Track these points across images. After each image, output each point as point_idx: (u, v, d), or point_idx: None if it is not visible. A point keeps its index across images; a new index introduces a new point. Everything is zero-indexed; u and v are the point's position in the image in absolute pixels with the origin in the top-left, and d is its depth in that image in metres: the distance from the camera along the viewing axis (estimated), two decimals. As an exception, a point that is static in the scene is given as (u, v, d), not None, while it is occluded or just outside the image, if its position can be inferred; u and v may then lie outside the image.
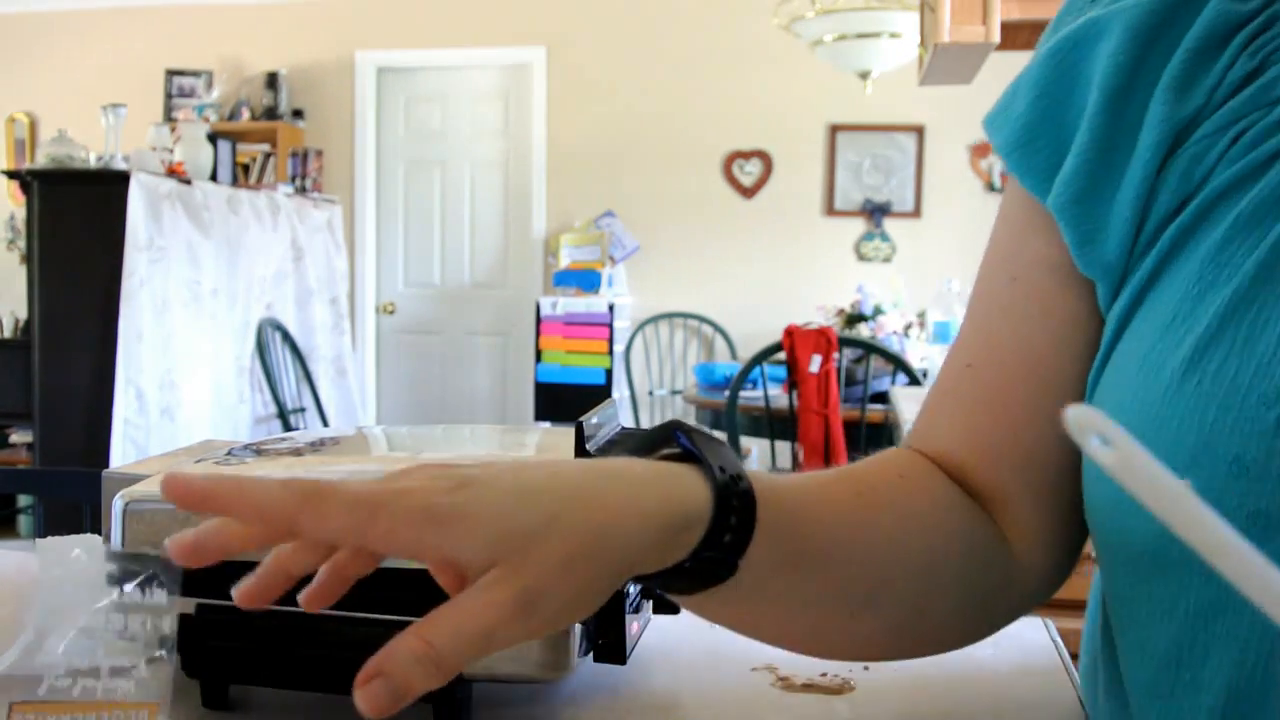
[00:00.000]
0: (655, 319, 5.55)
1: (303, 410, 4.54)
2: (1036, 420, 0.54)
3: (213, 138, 4.26)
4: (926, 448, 0.58)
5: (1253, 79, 0.47)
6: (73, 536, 0.75)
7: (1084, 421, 0.30)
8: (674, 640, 0.80)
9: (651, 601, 0.75)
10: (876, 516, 0.53)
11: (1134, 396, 0.47)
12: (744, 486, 0.45)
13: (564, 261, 5.49)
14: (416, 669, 0.36)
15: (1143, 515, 0.47)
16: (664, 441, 0.47)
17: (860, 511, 0.52)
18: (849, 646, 0.56)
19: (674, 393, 5.52)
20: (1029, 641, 0.81)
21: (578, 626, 0.64)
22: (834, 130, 5.50)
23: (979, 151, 5.35)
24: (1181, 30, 0.49)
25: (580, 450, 0.68)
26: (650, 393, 5.54)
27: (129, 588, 0.66)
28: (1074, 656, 0.69)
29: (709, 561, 0.44)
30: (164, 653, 0.64)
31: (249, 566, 0.66)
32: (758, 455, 4.68)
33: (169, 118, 5.60)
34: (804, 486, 0.51)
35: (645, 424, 5.49)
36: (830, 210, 5.54)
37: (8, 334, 4.24)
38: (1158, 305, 0.48)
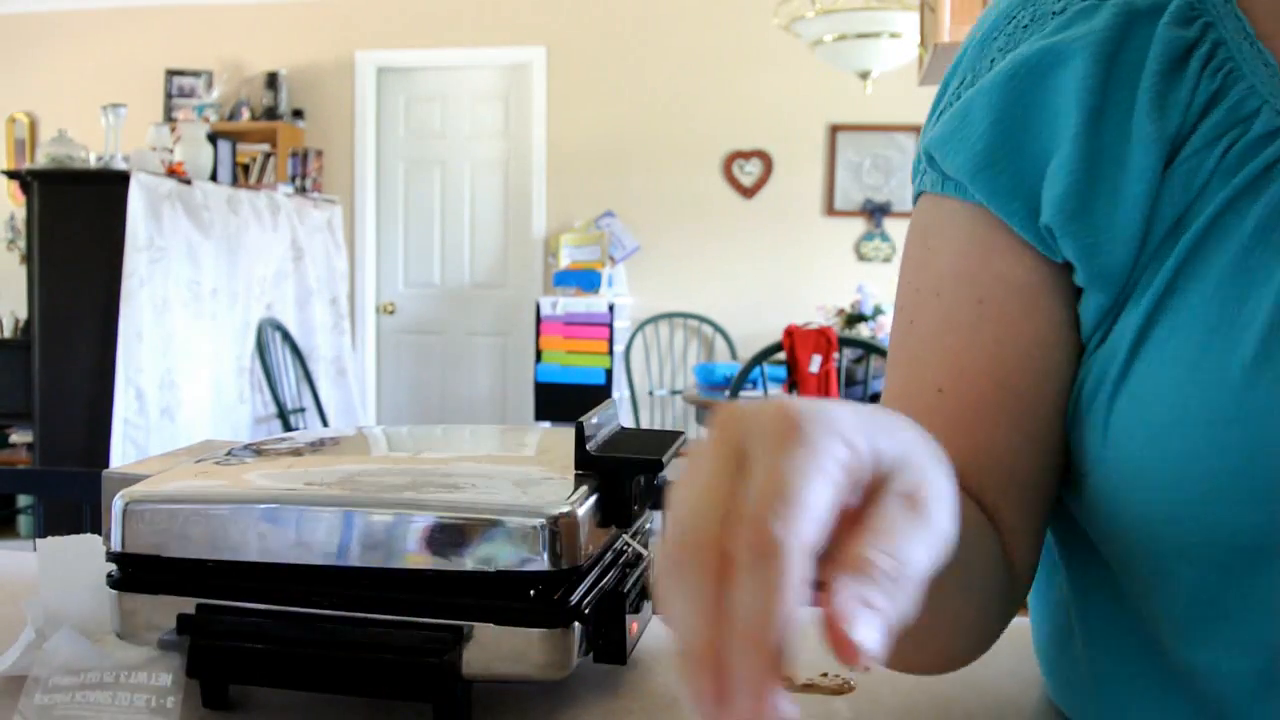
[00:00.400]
0: (655, 319, 5.55)
1: (303, 410, 4.53)
2: (1015, 439, 0.55)
3: (213, 138, 4.25)
4: None
5: (1219, 99, 0.52)
6: (73, 536, 0.75)
7: None
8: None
9: (651, 601, 0.75)
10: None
11: (1198, 397, 0.48)
12: None
13: (564, 261, 5.49)
14: (893, 591, 0.30)
15: (1243, 507, 0.47)
16: None
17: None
18: (952, 640, 0.55)
19: (674, 393, 5.51)
20: (1027, 644, 0.81)
21: (577, 626, 0.63)
22: (834, 130, 5.50)
23: (979, 151, 5.34)
24: (1135, 53, 0.53)
25: (580, 450, 0.68)
26: (650, 393, 5.54)
27: (137, 675, 0.65)
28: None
29: None
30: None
31: (250, 567, 0.66)
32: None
33: (169, 118, 5.61)
34: None
35: (645, 424, 5.49)
36: (830, 210, 5.54)
37: (8, 334, 4.24)
38: (1189, 311, 0.50)
